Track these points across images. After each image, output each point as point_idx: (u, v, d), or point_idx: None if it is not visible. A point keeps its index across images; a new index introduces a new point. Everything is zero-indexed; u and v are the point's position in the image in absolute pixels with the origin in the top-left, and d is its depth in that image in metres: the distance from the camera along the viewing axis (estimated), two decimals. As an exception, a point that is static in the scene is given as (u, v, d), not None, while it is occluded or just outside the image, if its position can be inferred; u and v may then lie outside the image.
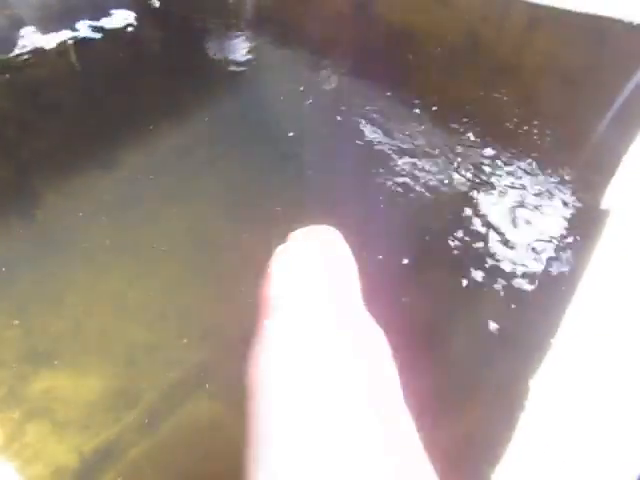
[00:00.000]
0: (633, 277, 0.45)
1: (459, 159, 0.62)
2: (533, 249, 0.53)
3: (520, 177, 0.60)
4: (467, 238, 0.53)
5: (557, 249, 0.53)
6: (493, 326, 0.46)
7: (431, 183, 0.60)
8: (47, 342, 0.44)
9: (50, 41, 0.73)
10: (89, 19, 0.77)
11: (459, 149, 0.63)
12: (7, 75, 0.68)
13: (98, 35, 0.76)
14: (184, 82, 0.72)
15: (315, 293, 0.30)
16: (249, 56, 0.76)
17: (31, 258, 0.50)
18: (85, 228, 0.53)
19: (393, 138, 0.64)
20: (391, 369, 0.27)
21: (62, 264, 0.49)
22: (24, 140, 0.62)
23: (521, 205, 0.57)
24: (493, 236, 0.54)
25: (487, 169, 0.61)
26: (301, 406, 0.24)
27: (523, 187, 0.59)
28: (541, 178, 0.60)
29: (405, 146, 0.63)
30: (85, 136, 0.63)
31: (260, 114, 0.69)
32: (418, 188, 0.59)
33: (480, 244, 0.53)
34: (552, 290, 0.48)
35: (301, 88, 0.72)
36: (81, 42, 0.74)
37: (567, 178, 0.60)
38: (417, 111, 0.68)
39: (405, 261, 0.51)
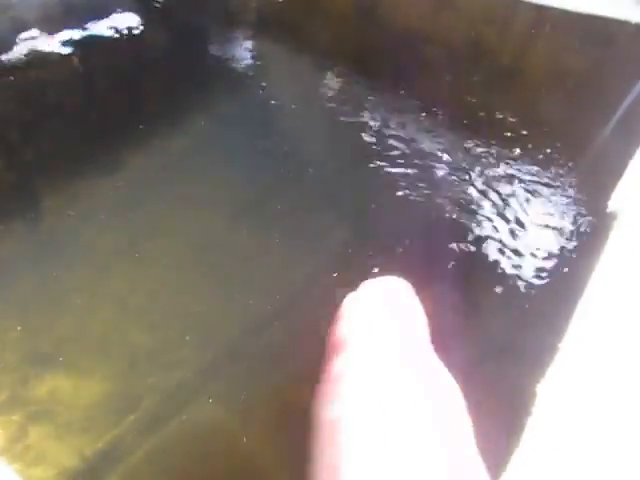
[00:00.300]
0: None
1: (465, 164, 0.62)
2: (540, 253, 0.53)
3: (526, 180, 0.60)
4: (471, 240, 0.53)
5: (564, 253, 0.53)
6: (498, 330, 0.46)
7: (441, 192, 0.59)
8: (49, 345, 0.44)
9: (52, 43, 0.73)
10: (91, 21, 0.77)
11: (464, 153, 0.63)
12: (10, 77, 0.69)
13: (101, 37, 0.76)
14: (186, 84, 0.72)
15: (384, 335, 0.32)
16: (252, 59, 0.76)
17: (33, 261, 0.50)
18: (87, 231, 0.53)
19: (396, 141, 0.64)
20: (460, 412, 0.29)
21: (64, 267, 0.50)
22: (27, 143, 0.62)
23: (528, 208, 0.57)
24: (499, 241, 0.54)
25: (492, 173, 0.61)
26: (377, 432, 0.26)
27: (530, 191, 0.59)
28: (547, 181, 0.60)
29: (409, 151, 0.63)
30: (87, 138, 0.64)
31: (263, 116, 0.69)
32: (415, 195, 0.58)
33: (487, 249, 0.53)
34: (559, 294, 0.48)
35: (304, 90, 0.72)
36: (83, 44, 0.74)
37: (574, 181, 0.60)
38: (421, 114, 0.68)
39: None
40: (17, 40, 0.72)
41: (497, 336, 0.47)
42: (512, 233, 0.55)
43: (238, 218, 0.55)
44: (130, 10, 0.80)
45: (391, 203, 0.58)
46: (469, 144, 0.64)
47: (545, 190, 0.59)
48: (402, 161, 0.62)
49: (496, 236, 0.54)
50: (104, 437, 0.39)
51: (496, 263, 0.52)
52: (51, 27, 0.75)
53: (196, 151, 0.63)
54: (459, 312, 0.47)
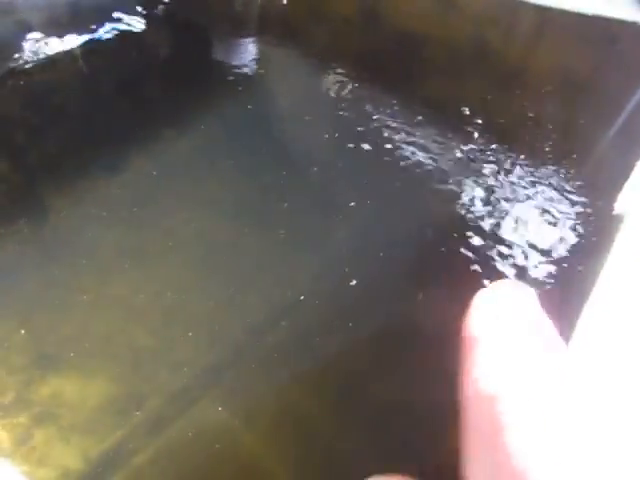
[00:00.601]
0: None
1: (469, 168, 0.62)
2: (544, 256, 0.52)
3: (529, 183, 0.60)
4: (476, 244, 0.53)
5: (568, 255, 0.52)
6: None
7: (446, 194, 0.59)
8: (53, 346, 0.44)
9: (57, 46, 0.73)
10: (96, 24, 0.78)
11: (468, 156, 0.63)
12: (14, 80, 0.69)
13: (105, 40, 0.76)
14: (190, 87, 0.72)
15: (517, 331, 0.31)
16: (255, 61, 0.76)
17: (38, 262, 0.50)
18: (92, 232, 0.53)
19: (399, 142, 0.64)
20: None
21: (68, 268, 0.50)
22: (31, 145, 0.62)
23: (531, 211, 0.57)
24: (502, 243, 0.53)
25: (496, 176, 0.61)
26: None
27: (533, 193, 0.59)
28: (551, 184, 0.60)
29: (412, 152, 0.63)
30: (92, 141, 0.64)
31: (266, 117, 0.69)
32: (420, 195, 0.58)
33: (488, 251, 0.53)
34: (563, 297, 0.47)
35: (307, 92, 0.72)
36: (88, 47, 0.74)
37: (578, 183, 0.60)
38: (424, 118, 0.68)
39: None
40: (22, 42, 0.73)
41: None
42: (515, 236, 0.55)
43: (242, 218, 0.55)
44: (135, 13, 0.81)
45: (395, 204, 0.58)
46: (473, 147, 0.64)
47: (548, 192, 0.59)
48: (405, 162, 0.62)
49: (498, 238, 0.54)
50: (108, 439, 0.39)
51: (497, 266, 0.51)
52: (56, 29, 0.75)
53: (200, 152, 0.63)
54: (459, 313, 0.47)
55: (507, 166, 0.62)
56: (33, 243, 0.52)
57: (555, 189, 0.59)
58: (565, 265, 0.52)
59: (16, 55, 0.71)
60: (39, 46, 0.73)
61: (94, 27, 0.77)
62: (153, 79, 0.75)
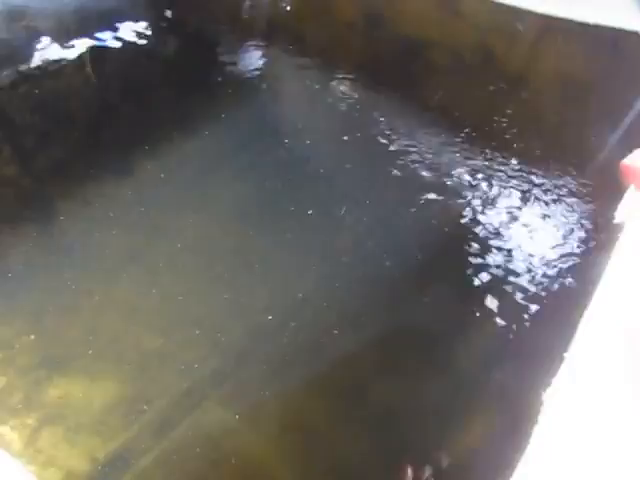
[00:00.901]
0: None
1: (472, 172, 0.62)
2: (545, 262, 0.53)
3: (532, 190, 0.60)
4: (476, 247, 0.54)
5: (570, 262, 0.53)
6: (507, 338, 0.46)
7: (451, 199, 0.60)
8: (61, 349, 0.45)
9: (66, 52, 0.74)
10: (104, 30, 0.78)
11: (471, 160, 0.63)
12: (24, 86, 0.70)
13: (113, 46, 0.77)
14: (198, 91, 0.73)
15: None
16: (260, 66, 0.77)
17: (46, 265, 0.51)
18: (99, 235, 0.53)
19: (403, 145, 0.65)
20: None
21: (76, 271, 0.50)
22: (41, 150, 0.63)
23: (532, 216, 0.57)
24: (505, 250, 0.54)
25: (499, 182, 0.61)
26: None
27: (536, 199, 0.59)
28: (554, 191, 0.60)
29: (416, 153, 0.64)
30: (99, 145, 0.64)
31: (273, 121, 0.69)
32: (425, 196, 0.59)
33: (492, 257, 0.53)
34: (565, 303, 0.48)
35: (314, 96, 0.73)
36: (96, 53, 0.75)
37: (580, 191, 0.60)
38: (428, 121, 0.68)
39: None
40: (31, 49, 0.73)
41: (503, 344, 0.47)
42: (518, 242, 0.55)
43: (249, 221, 0.56)
44: (142, 20, 0.82)
45: (398, 206, 0.58)
46: (475, 151, 0.65)
47: (550, 199, 0.59)
48: (410, 166, 0.62)
49: (501, 245, 0.54)
50: (115, 440, 0.40)
51: (501, 272, 0.52)
52: (64, 36, 0.76)
53: (207, 156, 0.64)
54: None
55: (510, 172, 0.62)
56: (42, 246, 0.53)
57: (556, 195, 0.60)
58: (565, 272, 0.52)
59: (26, 60, 0.72)
60: (48, 52, 0.74)
61: (102, 33, 0.78)
62: (160, 84, 0.75)
